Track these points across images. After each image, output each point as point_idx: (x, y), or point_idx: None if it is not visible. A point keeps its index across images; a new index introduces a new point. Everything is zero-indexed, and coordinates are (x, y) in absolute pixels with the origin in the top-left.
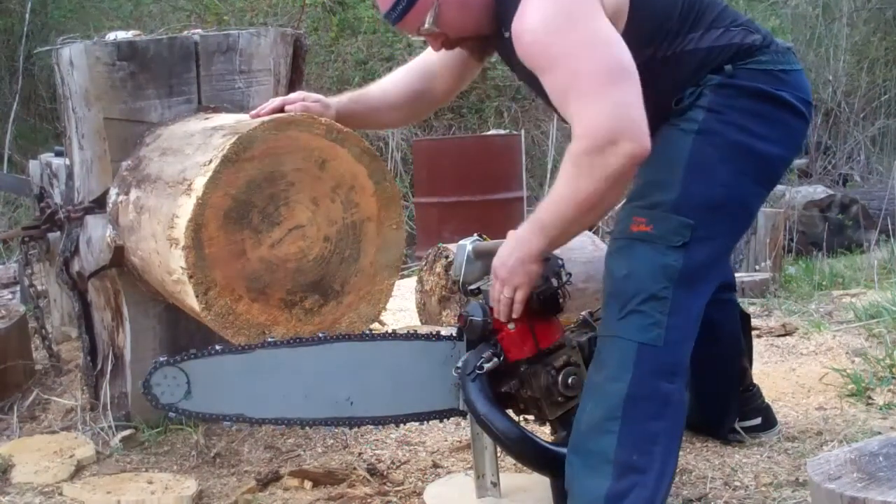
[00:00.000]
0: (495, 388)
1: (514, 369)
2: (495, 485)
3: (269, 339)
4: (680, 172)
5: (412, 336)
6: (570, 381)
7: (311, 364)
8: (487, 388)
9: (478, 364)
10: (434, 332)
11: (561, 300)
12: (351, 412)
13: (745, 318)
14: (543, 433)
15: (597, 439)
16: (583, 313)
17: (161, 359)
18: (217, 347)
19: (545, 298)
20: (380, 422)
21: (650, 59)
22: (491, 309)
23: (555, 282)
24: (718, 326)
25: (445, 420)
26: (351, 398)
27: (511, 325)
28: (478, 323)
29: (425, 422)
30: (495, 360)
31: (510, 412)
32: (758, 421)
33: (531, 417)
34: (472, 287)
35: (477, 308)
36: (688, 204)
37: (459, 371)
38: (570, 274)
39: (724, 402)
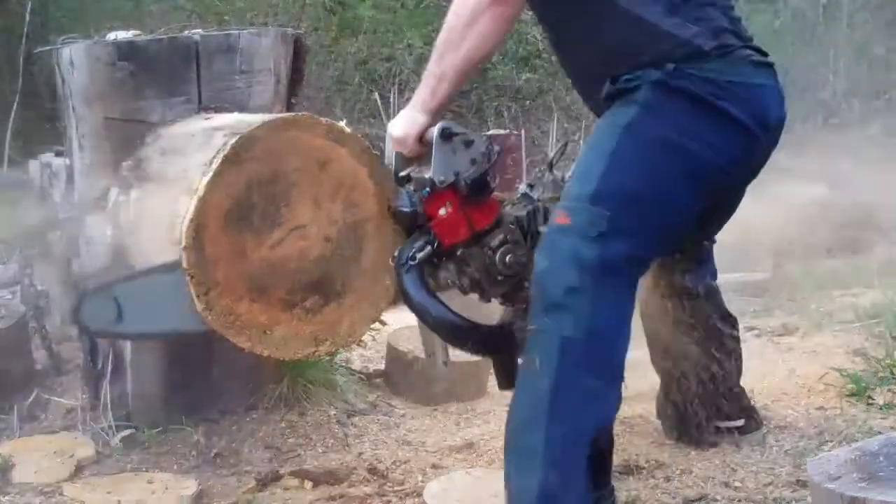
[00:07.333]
0: (435, 276)
1: (451, 254)
2: (446, 364)
3: None
4: (602, 165)
5: None
6: (507, 259)
7: None
8: (421, 278)
9: (411, 255)
10: None
11: (489, 180)
12: None
13: (732, 320)
14: None
15: (526, 436)
16: (521, 185)
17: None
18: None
19: (473, 182)
20: None
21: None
22: (421, 198)
23: (484, 164)
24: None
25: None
26: None
27: (442, 212)
28: (406, 214)
29: None
30: (429, 248)
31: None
32: (740, 422)
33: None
34: (403, 174)
35: (405, 198)
36: (605, 194)
37: (394, 262)
38: (500, 152)
39: (700, 400)
